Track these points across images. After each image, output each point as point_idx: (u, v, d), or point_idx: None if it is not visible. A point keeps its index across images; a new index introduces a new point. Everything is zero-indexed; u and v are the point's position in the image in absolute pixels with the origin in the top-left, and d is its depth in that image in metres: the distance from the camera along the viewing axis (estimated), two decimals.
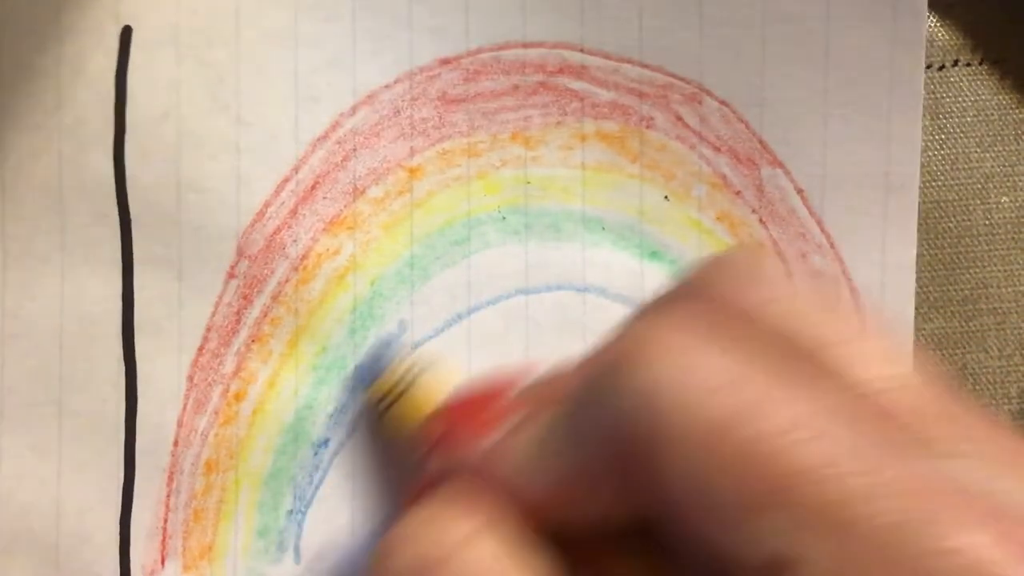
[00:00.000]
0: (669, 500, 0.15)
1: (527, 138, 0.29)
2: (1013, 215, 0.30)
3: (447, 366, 0.27)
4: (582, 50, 0.29)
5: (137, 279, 0.28)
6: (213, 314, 0.28)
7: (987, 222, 0.30)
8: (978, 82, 0.31)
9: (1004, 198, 0.31)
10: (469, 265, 0.29)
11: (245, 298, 0.28)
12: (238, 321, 0.28)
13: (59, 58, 0.27)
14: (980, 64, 0.31)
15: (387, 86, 0.28)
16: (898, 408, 0.15)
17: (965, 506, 0.13)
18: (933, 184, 0.30)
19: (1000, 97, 0.31)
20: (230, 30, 0.28)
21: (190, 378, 0.28)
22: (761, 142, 0.29)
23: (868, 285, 0.29)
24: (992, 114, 0.31)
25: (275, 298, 0.28)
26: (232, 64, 0.28)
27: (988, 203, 0.30)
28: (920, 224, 0.30)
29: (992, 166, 0.31)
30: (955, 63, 0.31)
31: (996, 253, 0.30)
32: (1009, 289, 0.30)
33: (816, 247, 0.29)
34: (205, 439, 0.28)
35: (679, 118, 0.29)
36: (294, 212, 0.28)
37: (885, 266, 0.29)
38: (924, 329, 0.30)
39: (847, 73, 0.29)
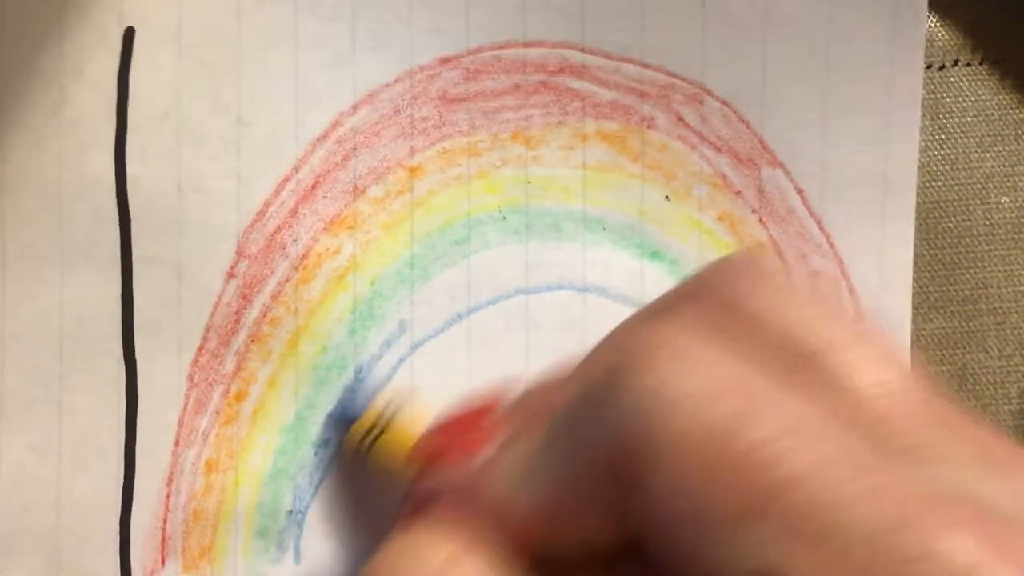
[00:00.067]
0: (657, 514, 0.15)
1: (528, 138, 0.29)
2: (1013, 215, 0.31)
3: (424, 400, 0.27)
4: (583, 49, 0.29)
5: (136, 279, 0.28)
6: (213, 314, 0.28)
7: (987, 222, 0.31)
8: (978, 82, 0.31)
9: (1004, 198, 0.31)
10: (469, 265, 0.29)
11: (245, 298, 0.28)
12: (238, 321, 0.28)
13: (60, 58, 0.27)
14: (980, 64, 0.31)
15: (387, 85, 0.28)
16: (892, 414, 0.15)
17: (951, 509, 0.13)
18: (933, 184, 0.30)
19: (1000, 97, 0.31)
20: (231, 30, 0.28)
21: (190, 378, 0.28)
22: (761, 142, 0.29)
23: (866, 284, 0.29)
24: (992, 114, 0.31)
25: (275, 298, 0.28)
26: (233, 64, 0.28)
27: (988, 203, 0.30)
28: (920, 224, 0.30)
29: (992, 166, 0.31)
30: (955, 63, 0.31)
31: (996, 253, 0.30)
32: (1009, 289, 0.30)
33: (815, 247, 0.29)
34: (206, 439, 0.28)
35: (680, 118, 0.29)
36: (294, 212, 0.28)
37: (883, 266, 0.29)
38: (924, 329, 0.30)
39: (847, 73, 0.29)
